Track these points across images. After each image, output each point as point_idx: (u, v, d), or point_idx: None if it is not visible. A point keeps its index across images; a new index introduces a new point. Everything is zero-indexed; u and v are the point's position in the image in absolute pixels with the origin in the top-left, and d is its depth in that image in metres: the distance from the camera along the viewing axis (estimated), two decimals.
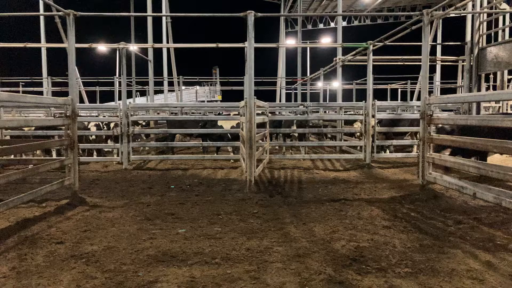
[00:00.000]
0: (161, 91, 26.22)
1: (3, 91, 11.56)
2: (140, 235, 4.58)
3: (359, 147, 11.19)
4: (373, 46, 10.27)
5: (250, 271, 3.54)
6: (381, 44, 10.27)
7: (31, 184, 6.92)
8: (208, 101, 30.14)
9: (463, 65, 14.17)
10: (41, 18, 23.12)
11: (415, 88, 21.68)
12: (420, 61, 7.19)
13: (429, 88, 8.33)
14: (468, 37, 10.79)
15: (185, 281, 3.36)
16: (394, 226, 4.87)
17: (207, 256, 3.92)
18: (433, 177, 6.52)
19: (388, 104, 15.55)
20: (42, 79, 23.32)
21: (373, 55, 10.54)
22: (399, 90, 25.53)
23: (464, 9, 12.07)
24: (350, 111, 15.63)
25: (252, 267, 3.64)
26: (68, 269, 3.62)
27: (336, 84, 17.36)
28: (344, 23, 30.29)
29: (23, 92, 21.67)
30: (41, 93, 22.10)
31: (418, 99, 19.28)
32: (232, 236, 4.52)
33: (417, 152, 8.19)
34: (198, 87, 31.45)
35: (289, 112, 16.11)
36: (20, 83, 22.69)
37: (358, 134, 11.31)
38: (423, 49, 6.91)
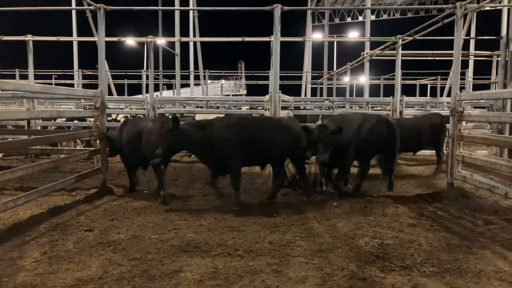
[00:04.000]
0: (187, 85, 26.46)
1: (37, 83, 11.98)
2: (165, 225, 4.68)
3: None
4: (402, 40, 10.01)
5: (272, 264, 3.56)
6: (410, 38, 9.99)
7: (62, 173, 7.18)
8: (233, 95, 30.24)
9: (497, 61, 13.63)
10: (73, 12, 23.77)
11: (445, 84, 21.03)
12: (452, 56, 6.96)
13: (460, 84, 8.06)
14: (503, 31, 10.37)
15: (208, 271, 3.41)
16: (420, 224, 4.77)
17: (230, 248, 3.96)
18: (462, 175, 6.33)
19: (416, 100, 15.15)
20: (73, 71, 24.02)
21: (402, 50, 10.28)
22: (429, 86, 24.80)
23: (500, 2, 11.59)
24: (377, 107, 15.34)
25: (275, 260, 3.66)
26: (96, 256, 3.75)
27: (363, 79, 17.07)
28: (373, 17, 29.59)
29: (55, 84, 22.39)
30: (72, 85, 22.76)
31: (449, 95, 18.68)
32: (255, 229, 4.55)
33: (446, 149, 7.97)
34: (223, 81, 31.60)
35: (314, 107, 15.96)
36: (53, 75, 23.42)
37: None
38: (455, 43, 6.68)
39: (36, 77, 14.45)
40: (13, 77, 18.79)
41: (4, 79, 5.11)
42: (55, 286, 3.14)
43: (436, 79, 21.74)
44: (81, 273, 3.38)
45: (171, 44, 20.56)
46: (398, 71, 10.20)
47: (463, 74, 19.24)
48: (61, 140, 8.42)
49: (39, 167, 5.89)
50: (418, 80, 24.09)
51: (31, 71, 11.83)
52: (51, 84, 21.42)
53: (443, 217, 5.17)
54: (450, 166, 6.47)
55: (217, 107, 17.71)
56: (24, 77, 17.13)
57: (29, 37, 11.26)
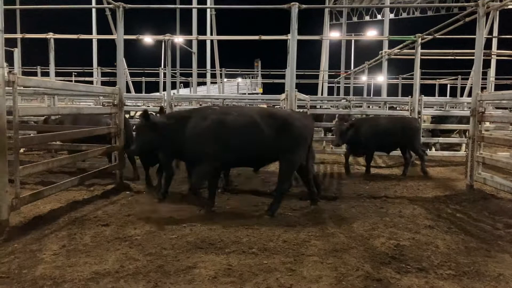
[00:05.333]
0: (204, 83, 26.64)
1: (57, 80, 12.23)
2: (180, 222, 4.72)
3: None
4: (421, 39, 9.84)
5: (287, 263, 3.55)
6: (430, 37, 9.82)
7: (80, 168, 7.31)
8: (249, 94, 30.27)
9: None
10: (93, 10, 24.17)
11: (466, 84, 20.60)
12: (473, 55, 6.81)
13: (482, 84, 7.88)
14: None
15: (222, 268, 3.43)
16: (437, 226, 4.69)
17: (244, 245, 3.97)
18: (482, 177, 6.20)
19: (435, 100, 14.87)
20: (92, 69, 24.45)
21: (421, 49, 10.10)
22: (448, 85, 24.32)
23: None
24: (395, 107, 15.13)
25: (289, 259, 3.65)
26: (113, 250, 3.81)
27: (381, 78, 16.86)
28: (392, 15, 29.21)
29: (75, 81, 22.82)
30: (91, 82, 23.17)
31: (469, 95, 18.29)
32: (269, 228, 4.55)
33: (465, 151, 7.81)
34: (240, 80, 31.67)
35: (331, 106, 15.84)
36: (73, 73, 23.89)
37: None
38: (477, 42, 6.54)
39: (57, 74, 14.76)
40: (35, 74, 19.24)
41: (26, 76, 5.23)
42: (73, 278, 3.20)
43: (456, 79, 21.30)
44: (98, 266, 3.44)
45: (188, 42, 20.73)
46: (417, 71, 10.04)
47: (484, 74, 18.77)
48: (80, 136, 8.54)
49: (58, 162, 6.02)
50: (438, 80, 23.65)
51: (52, 68, 12.09)
52: (71, 81, 21.83)
53: (461, 219, 5.07)
54: (470, 168, 6.34)
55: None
56: (45, 74, 17.54)
57: (50, 35, 11.51)
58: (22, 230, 4.31)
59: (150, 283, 3.15)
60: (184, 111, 6.27)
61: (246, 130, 5.07)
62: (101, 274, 3.30)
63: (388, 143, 8.30)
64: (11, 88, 4.28)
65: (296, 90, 7.25)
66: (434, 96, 22.05)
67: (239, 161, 5.44)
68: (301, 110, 9.01)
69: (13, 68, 13.89)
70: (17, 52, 15.07)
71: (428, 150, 11.10)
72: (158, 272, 3.35)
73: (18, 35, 15.89)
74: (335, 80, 25.97)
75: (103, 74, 23.36)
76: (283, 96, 7.96)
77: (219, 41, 26.80)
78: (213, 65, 25.93)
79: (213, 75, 26.75)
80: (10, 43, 15.61)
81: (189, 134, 5.09)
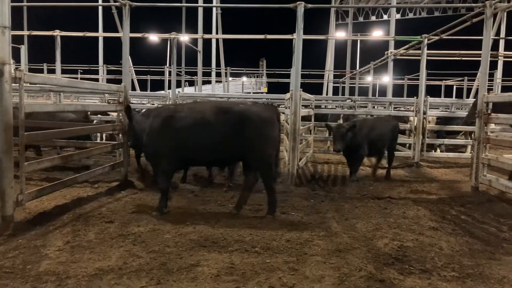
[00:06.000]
0: (209, 82, 26.67)
1: (64, 77, 12.29)
2: (183, 220, 4.72)
3: (407, 144, 10.77)
4: (428, 40, 9.79)
5: (289, 262, 3.55)
6: (436, 38, 9.75)
7: (85, 165, 7.35)
8: (253, 93, 30.27)
9: None
10: (100, 8, 24.25)
11: (472, 85, 20.47)
12: (480, 57, 6.76)
13: (488, 86, 7.83)
14: None
15: (225, 266, 3.43)
16: (441, 228, 4.67)
17: (247, 244, 3.97)
18: (487, 179, 6.15)
19: (441, 101, 14.80)
20: (98, 67, 24.55)
21: (427, 49, 10.05)
22: (455, 87, 24.19)
23: None
24: (400, 107, 15.07)
25: (292, 258, 3.65)
26: (116, 247, 3.83)
27: (387, 78, 16.79)
28: (398, 16, 29.04)
29: (81, 79, 22.94)
30: (97, 80, 23.26)
31: (476, 97, 18.16)
32: (272, 227, 4.55)
33: (471, 152, 7.77)
34: (245, 79, 31.66)
35: (336, 106, 15.81)
36: (79, 70, 24.00)
37: (408, 131, 10.87)
38: (484, 43, 6.49)
39: (63, 71, 14.85)
40: (41, 71, 19.35)
41: (32, 73, 5.26)
42: (77, 274, 3.22)
43: (463, 80, 21.18)
44: (102, 263, 3.46)
45: (194, 41, 20.75)
46: (423, 71, 9.98)
47: (491, 75, 18.68)
48: (85, 133, 8.59)
49: (63, 159, 6.05)
50: (444, 81, 23.53)
51: (58, 65, 12.14)
52: (76, 78, 21.93)
53: (466, 221, 5.04)
54: (475, 170, 6.30)
55: None
56: (51, 71, 17.63)
57: (57, 32, 11.56)
58: (26, 225, 4.34)
59: (153, 280, 3.17)
60: (148, 110, 6.27)
61: (198, 128, 4.84)
62: (104, 270, 3.31)
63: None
64: (17, 84, 4.31)
65: (301, 89, 7.24)
66: (440, 97, 21.95)
67: (198, 161, 5.28)
68: (306, 110, 8.98)
69: (20, 65, 13.97)
70: (23, 49, 15.16)
71: (433, 151, 11.06)
72: (161, 269, 3.36)
73: (25, 32, 15.95)
74: (340, 80, 25.92)
75: (109, 72, 23.45)
76: (288, 95, 7.95)
77: (224, 40, 26.83)
78: (218, 64, 25.95)
79: (218, 74, 26.78)
80: (17, 40, 15.70)
81: (146, 133, 5.07)
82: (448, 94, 24.88)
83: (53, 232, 4.21)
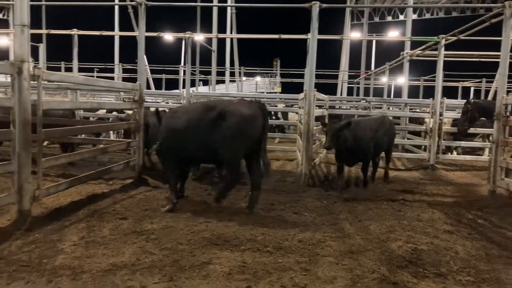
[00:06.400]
0: (223, 81, 26.75)
1: (80, 75, 12.49)
2: (196, 218, 4.75)
3: (423, 146, 10.62)
4: (445, 40, 9.63)
5: (301, 263, 3.54)
6: (454, 38, 9.59)
7: (100, 162, 7.46)
8: (267, 93, 30.25)
9: None
10: (116, 8, 24.56)
11: (490, 87, 20.07)
12: (499, 58, 6.63)
13: (507, 87, 7.66)
14: None
15: (237, 265, 3.44)
16: (457, 232, 4.58)
17: (259, 243, 3.97)
18: (506, 183, 6.03)
19: (458, 102, 14.55)
20: (114, 65, 24.86)
21: (444, 50, 9.89)
22: (472, 88, 23.75)
23: None
24: (415, 109, 14.88)
25: (304, 258, 3.63)
26: (130, 243, 3.87)
27: (402, 79, 16.58)
28: (415, 16, 28.62)
29: (97, 77, 23.26)
30: (112, 78, 23.56)
31: (494, 99, 17.78)
32: (285, 227, 4.53)
33: (488, 155, 7.62)
34: (258, 78, 31.66)
35: (350, 107, 15.69)
36: (95, 68, 24.33)
37: (423, 133, 10.72)
38: (503, 44, 6.36)
39: (80, 70, 15.07)
40: (58, 69, 19.68)
41: (50, 71, 5.36)
42: (91, 269, 3.27)
43: (481, 82, 20.79)
44: (115, 258, 3.50)
45: (208, 40, 20.83)
46: (440, 72, 9.82)
47: (510, 77, 18.24)
48: (100, 131, 8.74)
49: (79, 155, 6.16)
50: (461, 82, 23.13)
51: (75, 64, 12.34)
52: (93, 76, 22.24)
53: (482, 225, 4.95)
54: (493, 173, 6.18)
55: None
56: (68, 69, 17.92)
57: (74, 31, 11.76)
58: (43, 220, 4.42)
59: (166, 277, 3.19)
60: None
61: (189, 126, 5.00)
62: (118, 266, 3.35)
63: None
64: (36, 82, 4.40)
65: (315, 89, 7.20)
66: (457, 99, 21.58)
67: (194, 158, 5.48)
68: (320, 110, 8.93)
69: (38, 63, 14.23)
70: (42, 48, 15.43)
71: (449, 154, 10.88)
72: (174, 266, 3.39)
73: (44, 31, 16.26)
74: (355, 80, 25.70)
75: (124, 71, 23.72)
76: (301, 95, 7.92)
77: (238, 40, 26.89)
78: (232, 64, 26.03)
79: (232, 74, 26.87)
80: (36, 38, 16.01)
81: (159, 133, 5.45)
82: (466, 95, 24.44)
83: (68, 227, 4.28)
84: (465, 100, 9.41)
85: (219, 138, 4.86)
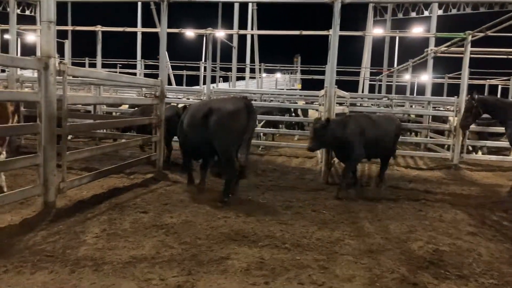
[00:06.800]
0: (243, 78, 26.79)
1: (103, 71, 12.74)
2: (215, 213, 4.79)
3: (446, 145, 10.37)
4: (472, 37, 9.35)
5: (319, 260, 3.52)
6: (481, 34, 9.30)
7: (122, 157, 7.59)
8: (287, 89, 30.13)
9: None
10: (139, 4, 24.90)
11: None
12: None
13: None
14: None
15: (255, 261, 3.45)
16: (480, 233, 4.47)
17: (277, 240, 3.97)
18: None
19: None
20: (136, 61, 25.24)
21: (471, 47, 9.60)
22: (500, 86, 23.02)
23: None
24: (439, 107, 14.54)
25: (322, 256, 3.61)
26: (150, 237, 3.93)
27: (426, 77, 16.24)
28: (440, 12, 27.93)
29: (119, 73, 23.68)
30: (135, 74, 23.94)
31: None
32: (303, 224, 4.52)
33: None
34: (279, 75, 31.55)
35: (372, 104, 15.47)
36: (118, 64, 24.78)
37: (447, 131, 10.47)
38: None
39: (103, 65, 15.38)
40: (83, 65, 20.13)
41: (75, 66, 5.48)
42: (112, 261, 3.34)
43: (509, 80, 20.12)
44: (136, 251, 3.57)
45: (229, 37, 20.89)
46: (465, 70, 9.56)
47: None
48: (123, 126, 8.89)
49: (102, 149, 6.29)
50: (488, 80, 22.46)
51: (99, 60, 12.60)
52: (115, 72, 22.64)
53: (507, 227, 4.80)
54: None
55: (271, 101, 17.76)
56: (92, 65, 18.31)
57: (98, 28, 11.99)
58: (67, 212, 4.54)
59: (184, 271, 3.23)
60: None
61: (191, 122, 5.59)
62: (138, 259, 3.42)
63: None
64: (61, 77, 4.51)
65: (336, 86, 7.13)
66: None
67: (200, 150, 5.79)
68: (341, 107, 8.83)
69: (64, 59, 14.59)
70: (67, 44, 15.81)
71: (474, 153, 10.59)
72: (193, 260, 3.43)
73: (69, 27, 16.67)
74: (377, 77, 25.31)
75: (146, 67, 24.06)
76: (322, 92, 7.86)
77: (259, 36, 26.83)
78: (252, 60, 26.01)
79: (252, 70, 26.86)
80: (61, 35, 16.40)
81: None
82: (493, 94, 23.74)
83: (91, 220, 4.38)
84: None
85: (210, 133, 5.28)
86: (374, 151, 6.33)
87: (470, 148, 10.12)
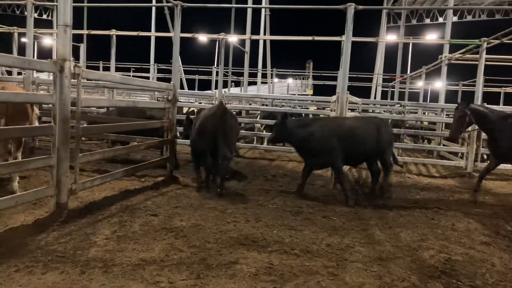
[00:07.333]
0: (255, 83, 26.87)
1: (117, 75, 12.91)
2: (224, 217, 4.79)
3: (460, 153, 10.22)
4: (487, 44, 9.24)
5: (329, 267, 3.49)
6: (497, 41, 9.20)
7: (133, 159, 7.66)
8: (299, 95, 30.11)
9: None
10: (153, 9, 25.21)
11: None
12: None
13: None
14: None
15: (264, 266, 3.43)
16: (494, 243, 4.38)
17: (286, 246, 3.95)
18: None
19: (500, 109, 13.91)
20: (149, 65, 25.52)
21: (486, 54, 9.49)
22: None
23: None
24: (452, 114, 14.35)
25: (331, 263, 3.58)
26: (159, 240, 3.95)
27: (439, 84, 16.06)
28: (455, 18, 27.65)
29: (133, 76, 23.96)
30: (148, 78, 24.19)
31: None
32: (313, 230, 4.49)
33: None
34: (290, 80, 31.56)
35: (384, 111, 15.35)
36: (131, 68, 25.10)
37: (461, 139, 10.30)
38: None
39: (117, 69, 15.60)
40: (97, 68, 20.43)
41: (90, 70, 5.56)
42: (122, 263, 3.36)
43: None
44: (145, 254, 3.58)
45: (242, 42, 20.98)
46: (480, 77, 9.44)
47: None
48: (135, 129, 8.97)
49: (113, 152, 6.35)
50: (504, 88, 22.13)
51: (113, 63, 12.77)
52: (129, 76, 22.93)
53: None
54: None
55: (282, 106, 17.75)
56: (106, 69, 18.57)
57: (113, 32, 12.17)
58: (78, 213, 4.59)
59: (193, 274, 3.23)
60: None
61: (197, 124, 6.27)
62: (147, 261, 3.43)
63: None
64: (76, 80, 4.58)
65: (348, 92, 7.10)
66: (498, 105, 20.62)
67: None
68: (353, 113, 8.78)
69: (78, 62, 14.83)
70: (82, 47, 16.08)
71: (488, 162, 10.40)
72: (201, 264, 3.43)
73: (85, 31, 16.94)
74: (390, 84, 25.13)
75: (159, 71, 24.31)
76: (334, 98, 7.83)
77: (271, 41, 26.90)
78: (264, 65, 26.08)
79: (264, 75, 26.93)
80: (77, 38, 16.68)
81: None
82: (508, 102, 23.34)
83: (101, 221, 4.42)
84: (507, 107, 8.91)
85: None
86: (352, 156, 6.13)
87: (485, 156, 9.94)
